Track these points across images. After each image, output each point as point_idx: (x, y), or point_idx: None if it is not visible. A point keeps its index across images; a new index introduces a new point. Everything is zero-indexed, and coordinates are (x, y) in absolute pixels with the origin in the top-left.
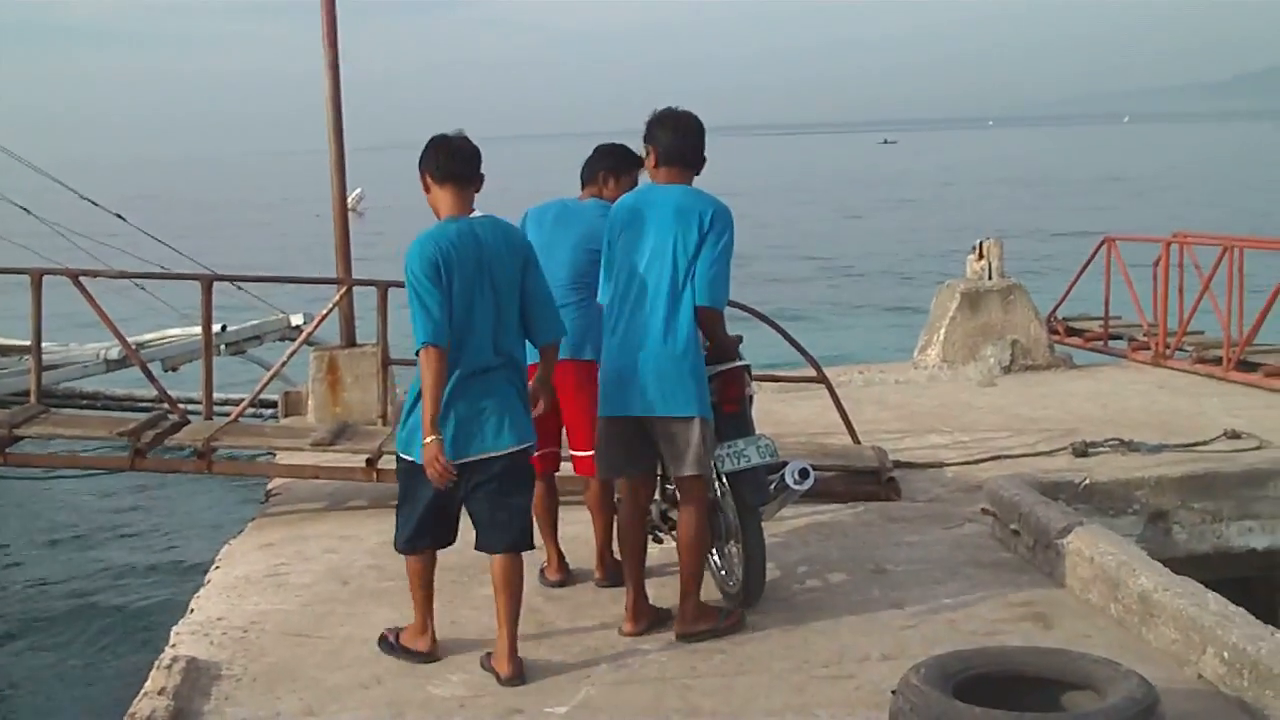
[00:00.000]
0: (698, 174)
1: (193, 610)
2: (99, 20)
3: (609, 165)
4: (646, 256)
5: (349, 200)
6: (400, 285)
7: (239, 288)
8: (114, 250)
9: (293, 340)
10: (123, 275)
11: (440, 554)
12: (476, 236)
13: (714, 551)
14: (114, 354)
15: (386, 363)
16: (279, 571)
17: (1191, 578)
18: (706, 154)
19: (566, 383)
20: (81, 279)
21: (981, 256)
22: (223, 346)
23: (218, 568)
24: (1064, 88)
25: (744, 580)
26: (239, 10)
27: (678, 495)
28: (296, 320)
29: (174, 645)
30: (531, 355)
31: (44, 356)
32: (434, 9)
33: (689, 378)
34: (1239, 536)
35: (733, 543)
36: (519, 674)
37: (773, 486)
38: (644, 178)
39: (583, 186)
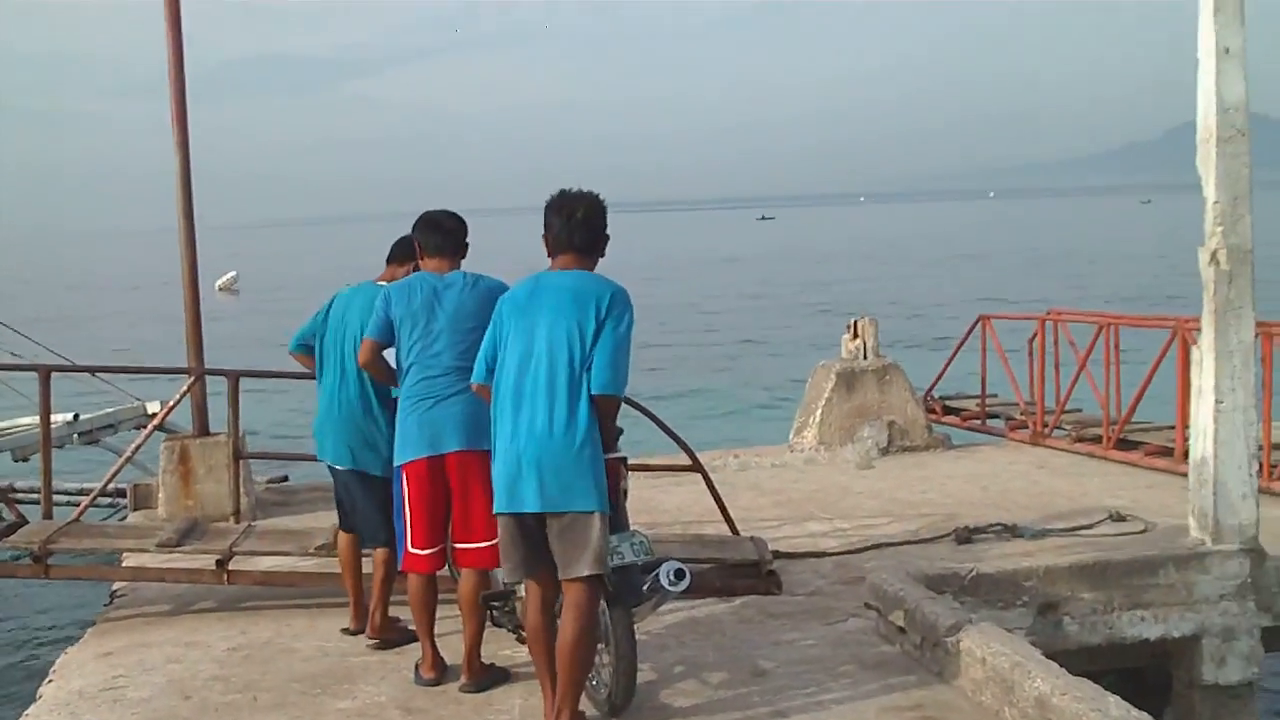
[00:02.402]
0: (600, 258)
1: None
2: None
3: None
4: (543, 343)
5: (224, 281)
6: (252, 374)
7: (96, 377)
8: None
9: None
10: None
11: (289, 665)
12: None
13: None
14: None
15: (239, 455)
16: (116, 685)
17: (1084, 670)
18: (609, 234)
19: (463, 473)
20: None
21: (856, 335)
22: (75, 436)
23: (51, 681)
24: (933, 164)
25: (612, 686)
26: (102, 91)
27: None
28: (153, 408)
29: None
30: None
31: None
32: (316, 88)
33: (588, 470)
34: (1130, 626)
35: (601, 646)
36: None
37: (646, 587)
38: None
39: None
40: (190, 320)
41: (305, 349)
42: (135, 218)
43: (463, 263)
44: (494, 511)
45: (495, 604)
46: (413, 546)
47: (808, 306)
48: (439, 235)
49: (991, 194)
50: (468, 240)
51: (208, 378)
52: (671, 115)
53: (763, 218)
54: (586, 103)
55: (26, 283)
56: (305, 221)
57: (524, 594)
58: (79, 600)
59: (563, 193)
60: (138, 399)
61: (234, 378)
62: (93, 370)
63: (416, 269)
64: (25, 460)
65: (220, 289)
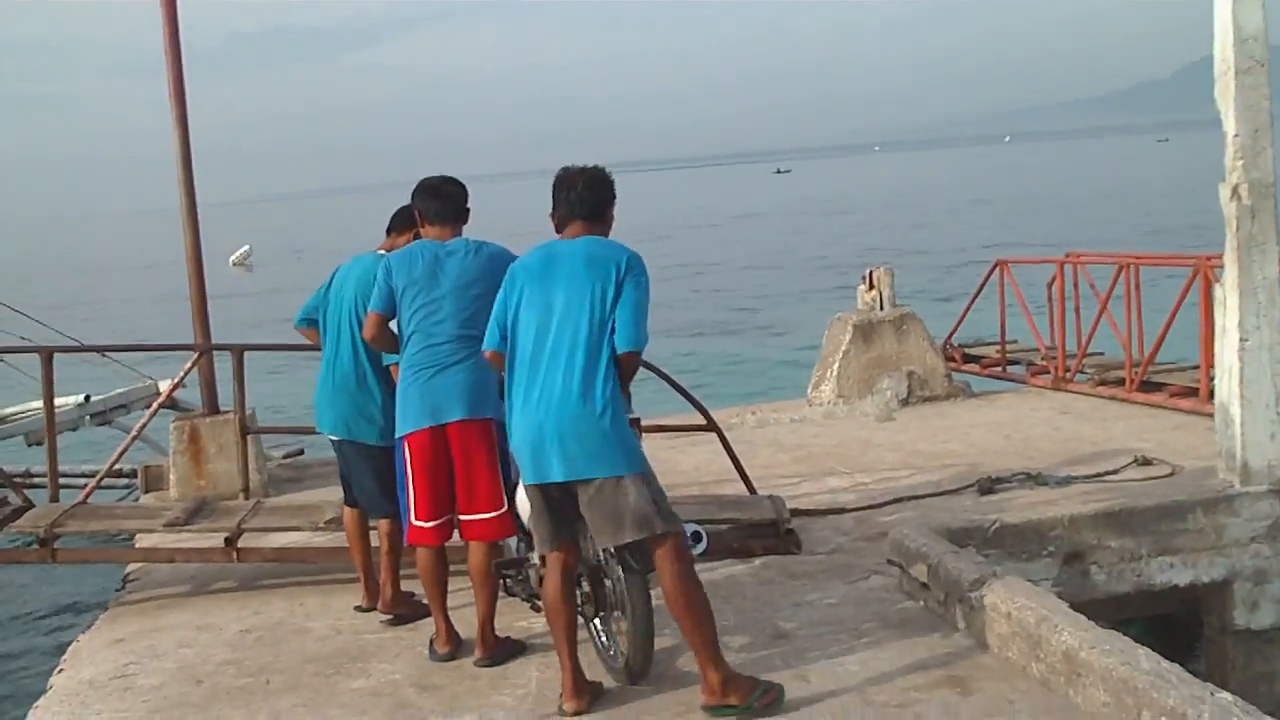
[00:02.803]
0: (607, 226)
1: None
2: None
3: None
4: (559, 311)
5: (237, 256)
6: (256, 348)
7: (106, 357)
8: None
9: (164, 406)
10: None
11: (302, 645)
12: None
13: (596, 622)
14: None
15: (245, 431)
16: (127, 672)
17: (1113, 618)
18: (614, 200)
19: (465, 442)
20: None
21: (872, 286)
22: (88, 418)
23: (62, 670)
24: (946, 111)
25: (629, 653)
26: (118, 69)
27: (611, 563)
28: (165, 386)
29: None
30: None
31: None
32: (319, 58)
33: (612, 434)
34: (1159, 573)
35: (617, 613)
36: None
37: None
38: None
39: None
40: (195, 297)
41: (309, 323)
42: (151, 198)
43: (464, 229)
44: (524, 483)
45: (509, 572)
46: (416, 519)
47: (824, 259)
48: (438, 201)
49: (1007, 138)
50: (468, 206)
51: (221, 355)
52: (682, 71)
53: (779, 171)
54: (593, 62)
55: (41, 268)
56: (317, 193)
57: (537, 562)
58: (94, 583)
59: (566, 169)
60: (150, 378)
61: (238, 352)
62: (96, 349)
63: (418, 238)
64: (39, 444)
65: (234, 264)
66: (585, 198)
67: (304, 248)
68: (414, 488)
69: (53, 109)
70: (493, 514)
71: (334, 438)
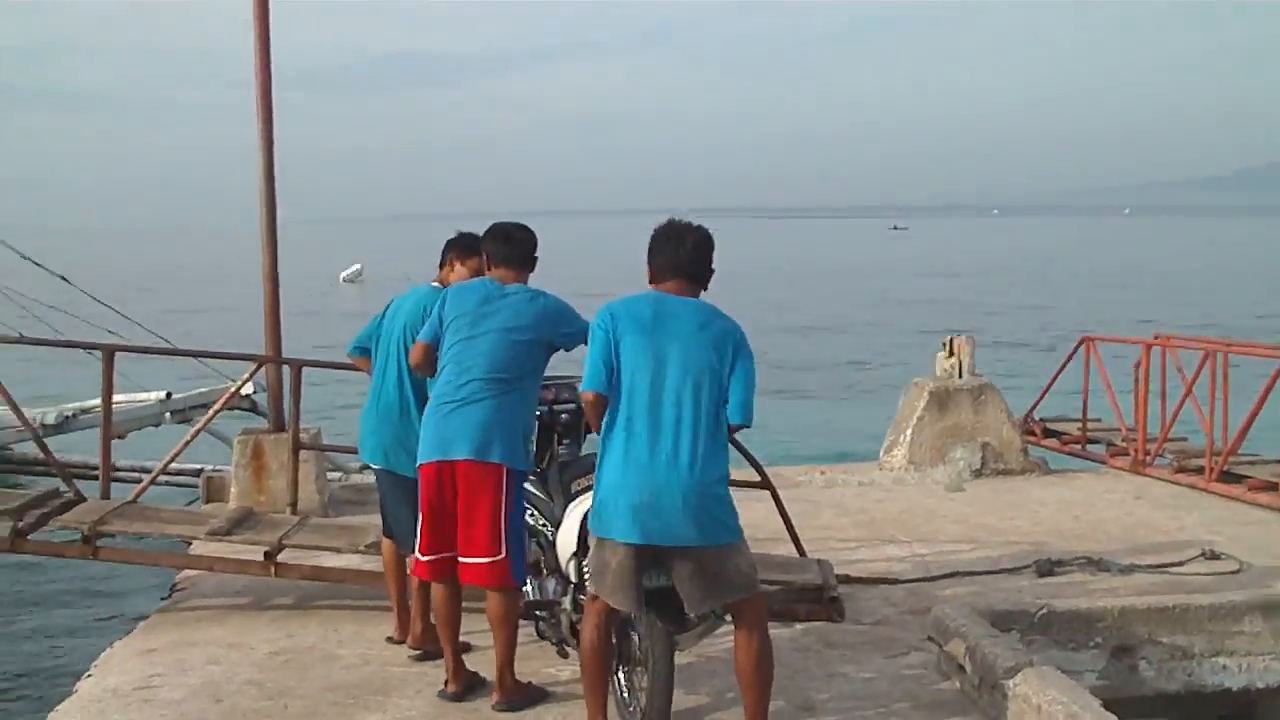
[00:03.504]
0: (704, 289)
1: None
2: (96, 87)
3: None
4: (675, 373)
5: (349, 274)
6: (314, 364)
7: (203, 363)
8: (67, 317)
9: (243, 409)
10: (17, 341)
11: (327, 672)
12: None
13: (620, 675)
14: (50, 419)
15: (298, 447)
16: (150, 684)
17: (1161, 719)
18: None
19: (469, 483)
20: None
21: (952, 354)
22: (169, 414)
23: (90, 675)
24: (1070, 178)
25: (647, 710)
26: (236, 82)
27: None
28: (247, 389)
29: None
30: None
31: None
32: (439, 87)
33: (729, 503)
34: (1211, 675)
35: (640, 668)
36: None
37: (694, 615)
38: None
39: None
40: (269, 311)
41: (362, 351)
42: (282, 208)
43: (531, 277)
44: (613, 538)
45: (541, 614)
46: (418, 551)
47: (924, 321)
48: (507, 246)
49: (1128, 210)
50: (536, 254)
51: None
52: (801, 120)
53: (895, 228)
54: (715, 108)
55: (168, 275)
56: (435, 216)
57: (569, 606)
58: (146, 582)
59: (671, 221)
60: (232, 380)
61: (296, 367)
62: (158, 351)
63: (478, 273)
64: (121, 438)
65: (345, 280)
66: (694, 257)
67: (413, 270)
68: (420, 519)
69: (194, 114)
70: (487, 559)
71: (374, 466)
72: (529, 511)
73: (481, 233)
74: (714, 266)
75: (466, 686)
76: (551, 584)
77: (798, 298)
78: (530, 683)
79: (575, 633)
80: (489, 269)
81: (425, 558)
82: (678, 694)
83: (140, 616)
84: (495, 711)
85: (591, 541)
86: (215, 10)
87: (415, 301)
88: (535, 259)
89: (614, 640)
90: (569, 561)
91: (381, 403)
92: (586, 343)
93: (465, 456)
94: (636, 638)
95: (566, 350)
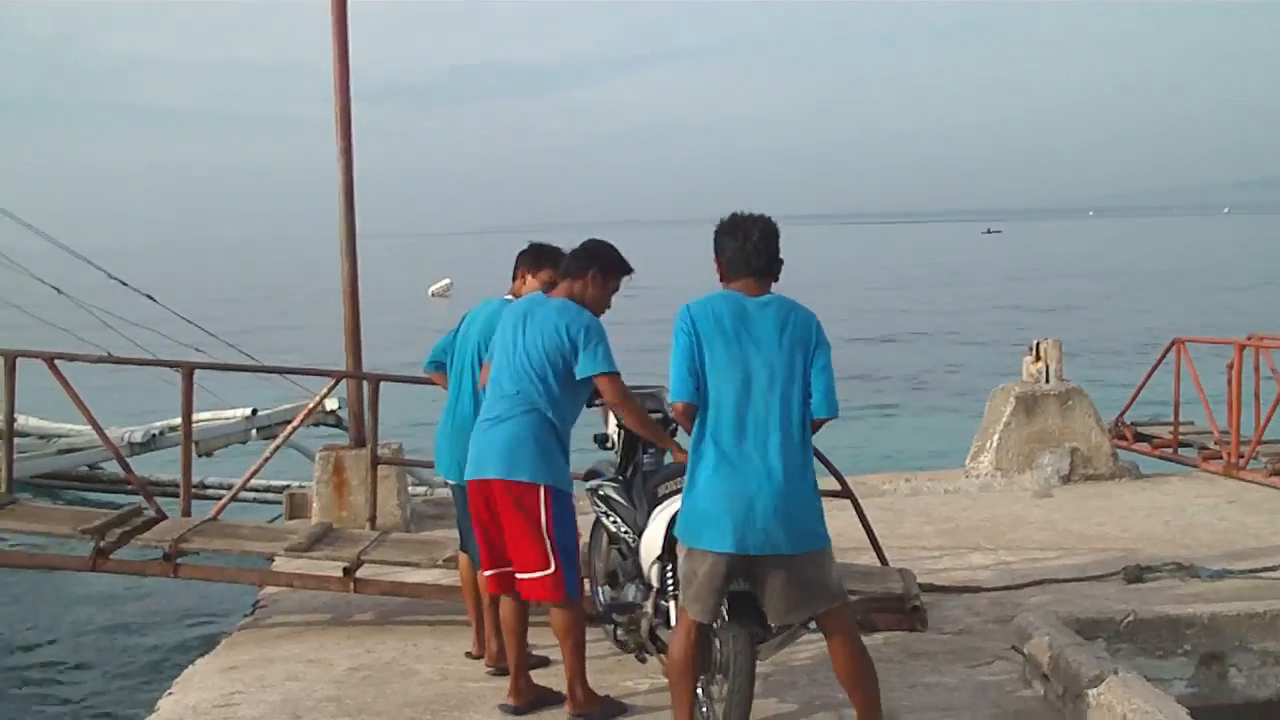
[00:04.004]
0: (775, 281)
1: None
2: (178, 103)
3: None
4: (762, 379)
5: (438, 288)
6: (391, 379)
7: (289, 379)
8: (150, 334)
9: (329, 425)
10: (101, 360)
11: (405, 688)
12: None
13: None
14: (138, 437)
15: (376, 462)
16: (231, 702)
17: None
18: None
19: (502, 502)
20: (58, 362)
21: (1039, 358)
22: (255, 431)
23: (171, 693)
24: (1166, 178)
25: (727, 715)
26: (319, 96)
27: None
28: (331, 405)
29: None
30: None
31: (71, 440)
32: (535, 95)
33: (816, 504)
34: None
35: (720, 676)
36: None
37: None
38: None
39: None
40: (349, 325)
41: (437, 366)
42: (371, 222)
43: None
44: (702, 548)
45: (619, 619)
46: (481, 566)
47: (1013, 324)
48: (565, 259)
49: (1227, 209)
50: (598, 265)
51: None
52: (890, 123)
53: (989, 231)
54: (800, 113)
55: (260, 290)
56: (525, 228)
57: (650, 610)
58: (228, 600)
59: (734, 216)
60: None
61: (374, 382)
62: (236, 368)
63: (551, 285)
64: (208, 455)
65: (434, 295)
66: (761, 249)
67: (503, 283)
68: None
69: (279, 129)
70: (538, 574)
71: (451, 482)
72: (610, 517)
73: (555, 244)
74: (781, 257)
75: (532, 702)
76: (631, 590)
77: (885, 303)
78: (608, 696)
79: (654, 638)
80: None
81: (488, 572)
82: (756, 703)
83: (224, 634)
84: None
85: (680, 552)
86: (297, 26)
87: (487, 316)
88: (594, 269)
89: (658, 633)
90: (651, 566)
91: (456, 418)
92: (601, 370)
93: (496, 476)
94: (717, 644)
95: (577, 374)
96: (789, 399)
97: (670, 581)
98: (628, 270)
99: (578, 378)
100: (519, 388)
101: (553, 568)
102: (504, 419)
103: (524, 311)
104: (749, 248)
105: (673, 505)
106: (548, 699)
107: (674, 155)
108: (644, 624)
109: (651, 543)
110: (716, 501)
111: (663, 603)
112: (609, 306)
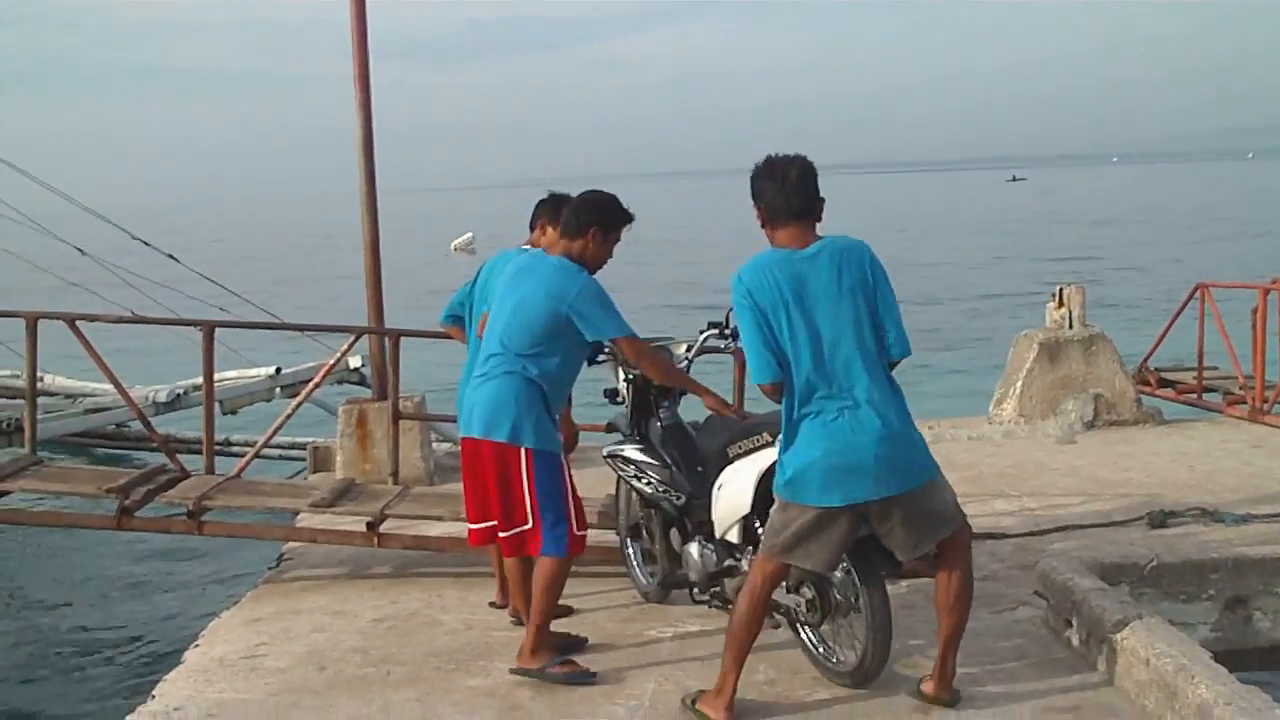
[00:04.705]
0: (817, 221)
1: (154, 697)
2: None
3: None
4: (832, 329)
5: (460, 242)
6: (410, 334)
7: (312, 337)
8: (174, 293)
9: (352, 383)
10: (122, 320)
11: (430, 638)
12: None
13: (809, 629)
14: (162, 396)
15: (398, 417)
16: (257, 653)
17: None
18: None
19: (488, 460)
20: (79, 323)
21: (1061, 304)
22: (279, 389)
23: (198, 645)
24: (1189, 123)
25: (869, 656)
26: (340, 53)
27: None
28: (354, 362)
29: None
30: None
31: (96, 399)
32: (556, 49)
33: (917, 438)
34: None
35: (840, 619)
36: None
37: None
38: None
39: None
40: (370, 281)
41: (454, 319)
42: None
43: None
44: (817, 504)
45: (713, 582)
46: (467, 519)
47: (1040, 272)
48: (565, 213)
49: (1251, 154)
50: (597, 221)
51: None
52: (909, 72)
53: (1014, 178)
54: (818, 63)
55: (286, 241)
56: (547, 180)
57: (747, 567)
58: (253, 555)
59: (770, 158)
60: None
61: (394, 337)
62: (256, 325)
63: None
64: (233, 413)
65: (456, 249)
66: (800, 188)
67: (526, 236)
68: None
69: (299, 87)
70: (515, 530)
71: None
72: (643, 479)
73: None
74: (822, 195)
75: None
76: (696, 549)
77: (910, 253)
78: (567, 635)
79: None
80: (771, 227)
81: (472, 525)
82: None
83: (248, 587)
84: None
85: (782, 506)
86: None
87: (503, 267)
88: (594, 226)
89: (810, 594)
90: (732, 525)
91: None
92: (611, 337)
93: (479, 435)
94: (836, 588)
95: (588, 339)
96: (864, 344)
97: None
98: (628, 220)
99: (589, 341)
100: (505, 346)
101: (530, 523)
102: (490, 377)
103: (521, 268)
104: (788, 188)
105: (753, 462)
106: (571, 645)
107: (697, 107)
108: (734, 581)
109: (737, 501)
110: (822, 458)
111: (754, 558)
112: (610, 258)
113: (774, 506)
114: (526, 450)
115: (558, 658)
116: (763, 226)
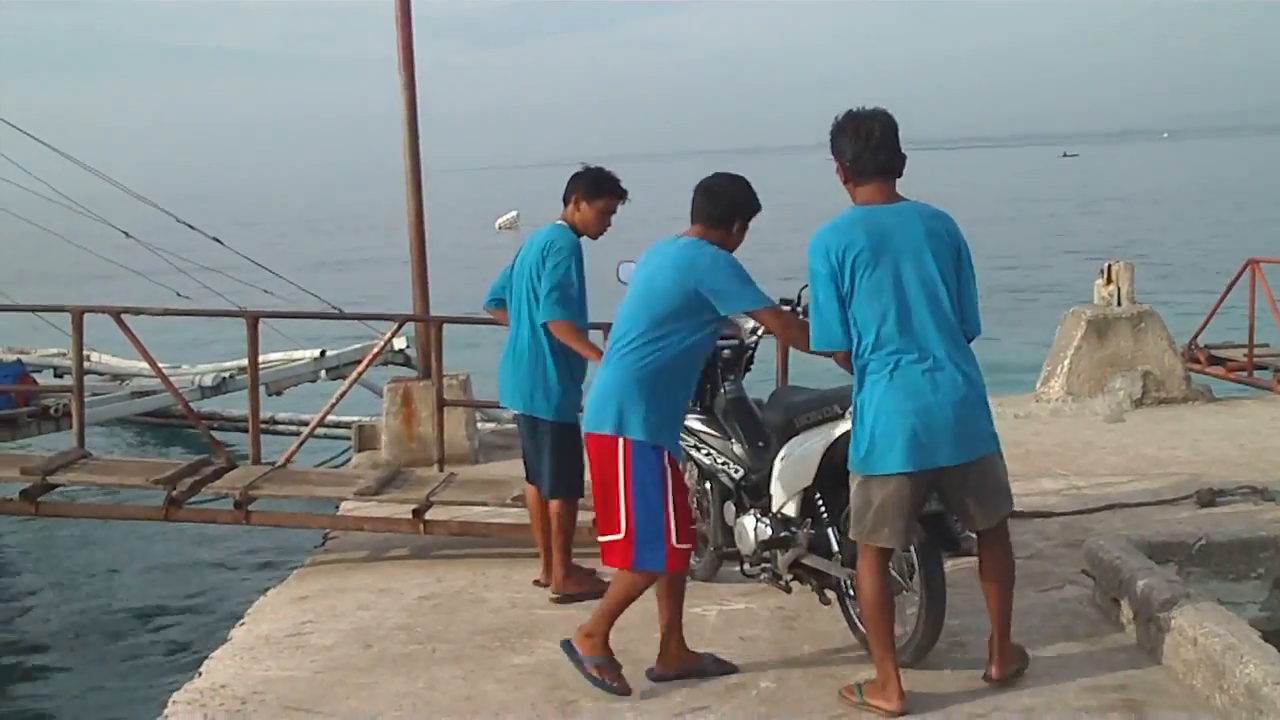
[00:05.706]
0: (899, 177)
1: (200, 674)
2: (247, 44)
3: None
4: (920, 281)
5: (505, 220)
6: (454, 321)
7: (366, 325)
8: (223, 276)
9: (397, 365)
10: (167, 312)
11: (475, 616)
12: None
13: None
14: (207, 381)
15: (442, 403)
16: (303, 630)
17: None
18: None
19: (588, 454)
20: (124, 316)
21: (1110, 281)
22: (324, 371)
23: (243, 623)
24: (1241, 97)
25: (922, 632)
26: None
27: (962, 536)
28: (399, 344)
29: (166, 716)
30: None
31: (143, 381)
32: (599, 27)
33: (988, 408)
34: None
35: (900, 595)
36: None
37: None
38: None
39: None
40: (415, 264)
41: (498, 303)
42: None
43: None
44: (889, 473)
45: (766, 554)
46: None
47: (1089, 248)
48: (701, 199)
49: None
50: (726, 208)
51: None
52: (960, 45)
53: (1066, 155)
54: (869, 37)
55: (320, 226)
56: (591, 159)
57: (802, 543)
58: (295, 539)
59: (850, 113)
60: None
61: (437, 324)
62: (297, 315)
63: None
64: (279, 394)
65: (501, 228)
66: (883, 144)
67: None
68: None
69: (353, 70)
70: (609, 538)
71: (515, 412)
72: (703, 450)
73: (611, 170)
74: (903, 152)
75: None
76: (751, 522)
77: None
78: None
79: (801, 567)
80: (852, 184)
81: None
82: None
83: (294, 567)
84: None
85: (855, 481)
86: None
87: (540, 242)
88: (738, 220)
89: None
90: (791, 498)
91: (516, 349)
92: (748, 309)
93: (586, 429)
94: (892, 565)
95: (722, 312)
96: (942, 308)
97: (824, 511)
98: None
99: (723, 314)
100: (622, 333)
101: (622, 533)
102: (607, 364)
103: (648, 254)
104: (873, 144)
105: (821, 433)
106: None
107: (742, 84)
108: (787, 555)
109: (800, 472)
110: (894, 423)
111: (810, 531)
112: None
113: (853, 488)
114: (626, 442)
115: (604, 658)
116: (845, 184)
